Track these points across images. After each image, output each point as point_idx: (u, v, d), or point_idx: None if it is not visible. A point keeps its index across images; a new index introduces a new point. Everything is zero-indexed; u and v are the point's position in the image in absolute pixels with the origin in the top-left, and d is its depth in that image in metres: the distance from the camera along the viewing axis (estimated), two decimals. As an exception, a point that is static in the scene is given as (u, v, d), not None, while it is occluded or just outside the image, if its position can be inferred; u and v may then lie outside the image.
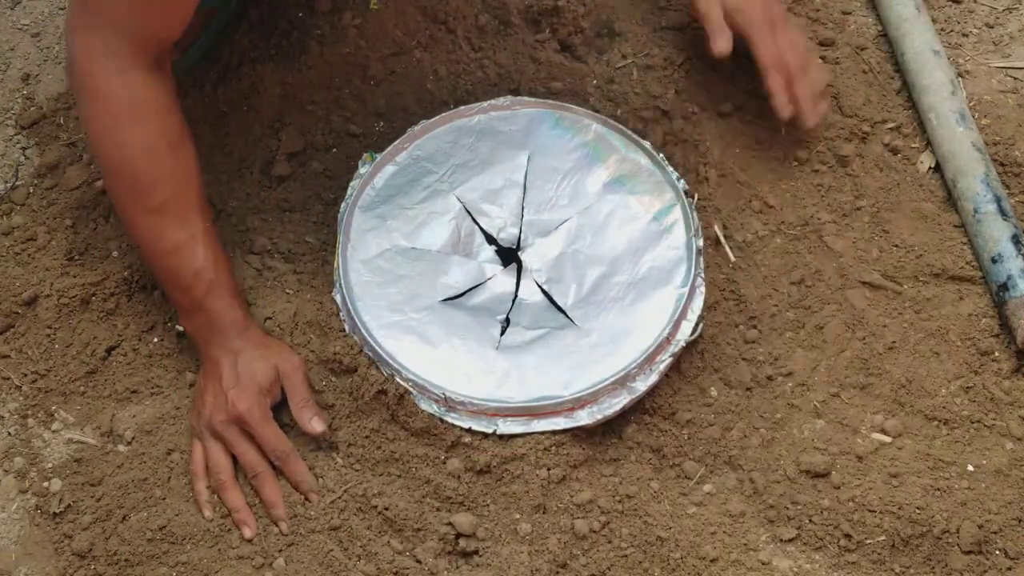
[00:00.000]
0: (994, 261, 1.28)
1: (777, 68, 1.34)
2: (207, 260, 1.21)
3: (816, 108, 1.36)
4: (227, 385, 1.19)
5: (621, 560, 1.15)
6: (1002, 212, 1.31)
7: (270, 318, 1.27)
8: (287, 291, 1.30)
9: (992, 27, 1.52)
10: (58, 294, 1.31)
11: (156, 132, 1.19)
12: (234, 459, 1.21)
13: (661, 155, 1.34)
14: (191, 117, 1.46)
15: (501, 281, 1.28)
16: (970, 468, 1.19)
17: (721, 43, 1.34)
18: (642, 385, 1.21)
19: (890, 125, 1.43)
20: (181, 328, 1.29)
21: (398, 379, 1.21)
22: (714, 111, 1.43)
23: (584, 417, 1.19)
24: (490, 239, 1.31)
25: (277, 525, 1.19)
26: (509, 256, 1.30)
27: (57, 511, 1.20)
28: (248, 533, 1.18)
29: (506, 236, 1.31)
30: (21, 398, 1.28)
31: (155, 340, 1.30)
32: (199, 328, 1.23)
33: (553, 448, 1.19)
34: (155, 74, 1.18)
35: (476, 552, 1.16)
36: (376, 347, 1.22)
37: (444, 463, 1.19)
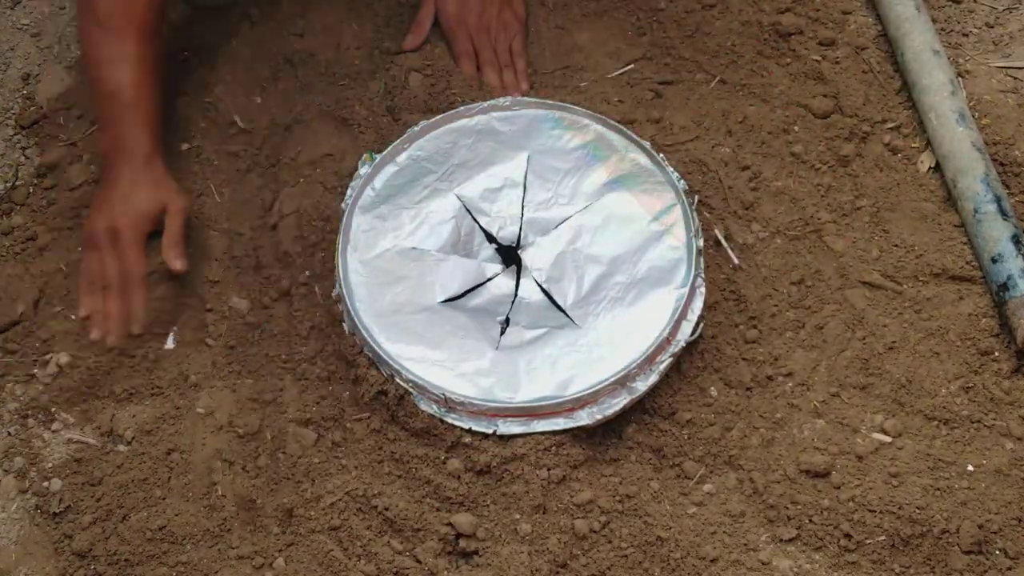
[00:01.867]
0: (994, 261, 1.28)
1: (466, 57, 1.46)
2: (132, 81, 1.28)
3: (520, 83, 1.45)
4: (116, 201, 1.27)
5: (621, 560, 1.15)
6: (1002, 212, 1.31)
7: (270, 315, 1.27)
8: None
9: (992, 27, 1.52)
10: (58, 294, 1.31)
11: None
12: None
13: (661, 155, 1.34)
14: (192, 107, 1.45)
15: (501, 282, 1.28)
16: (970, 468, 1.19)
17: (408, 40, 1.47)
18: (642, 385, 1.21)
19: (890, 125, 1.43)
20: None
21: (398, 379, 1.21)
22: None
23: (584, 417, 1.19)
24: (490, 238, 1.31)
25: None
26: (509, 254, 1.30)
27: (57, 511, 1.20)
28: (93, 335, 1.26)
29: (506, 235, 1.31)
30: (21, 398, 1.28)
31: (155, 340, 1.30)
32: (110, 143, 1.30)
33: (553, 448, 1.19)
34: None
35: (476, 552, 1.16)
36: (376, 347, 1.22)
37: (444, 463, 1.19)
